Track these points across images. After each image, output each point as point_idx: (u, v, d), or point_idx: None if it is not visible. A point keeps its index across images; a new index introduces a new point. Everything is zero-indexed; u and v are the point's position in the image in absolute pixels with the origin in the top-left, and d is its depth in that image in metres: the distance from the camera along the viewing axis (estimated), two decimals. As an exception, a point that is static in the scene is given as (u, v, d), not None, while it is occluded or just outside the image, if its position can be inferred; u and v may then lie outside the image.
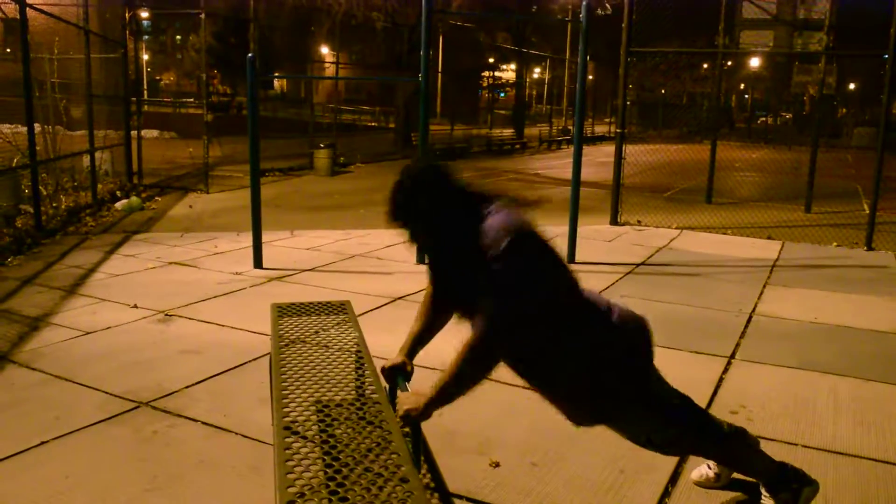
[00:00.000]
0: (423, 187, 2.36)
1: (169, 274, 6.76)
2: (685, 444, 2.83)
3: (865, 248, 8.83)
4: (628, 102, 10.45)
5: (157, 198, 12.03)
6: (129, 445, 3.45)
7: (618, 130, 10.38)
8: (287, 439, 2.50)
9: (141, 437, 3.53)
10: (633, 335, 2.59)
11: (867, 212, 9.63)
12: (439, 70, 33.74)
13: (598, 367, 2.50)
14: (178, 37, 41.23)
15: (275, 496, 2.18)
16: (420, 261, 7.44)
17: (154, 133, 22.20)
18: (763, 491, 2.86)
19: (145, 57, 34.78)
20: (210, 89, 21.47)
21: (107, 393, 4.00)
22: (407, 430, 2.88)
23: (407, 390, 2.72)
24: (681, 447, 2.94)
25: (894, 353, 5.08)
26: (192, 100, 28.70)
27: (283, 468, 2.30)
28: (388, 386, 2.86)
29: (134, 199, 10.96)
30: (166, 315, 5.45)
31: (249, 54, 6.90)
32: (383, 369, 2.80)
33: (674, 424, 2.67)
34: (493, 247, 2.25)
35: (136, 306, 5.62)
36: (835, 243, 9.12)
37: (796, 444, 3.57)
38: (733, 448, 2.82)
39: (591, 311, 2.53)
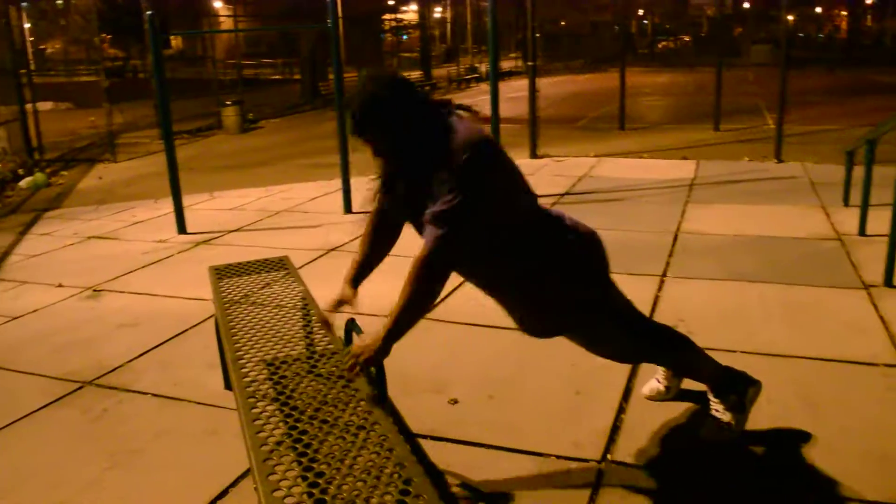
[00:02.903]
0: (390, 97, 2.28)
1: (90, 249, 6.52)
2: (641, 353, 2.93)
3: (775, 160, 9.17)
4: (537, 35, 10.45)
5: (62, 172, 11.51)
6: (80, 427, 3.36)
7: (529, 63, 10.41)
8: (250, 399, 2.48)
9: (91, 417, 3.44)
10: (590, 242, 2.63)
11: (772, 126, 10.00)
12: (340, 15, 32.95)
13: (560, 272, 2.53)
14: (60, 1, 38.98)
15: (248, 456, 2.17)
16: (347, 210, 7.38)
17: (48, 105, 21.09)
18: (711, 396, 2.99)
19: (27, 25, 32.80)
20: (103, 54, 20.47)
21: (47, 377, 3.87)
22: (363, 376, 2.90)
23: (361, 332, 2.74)
24: (637, 355, 3.04)
25: (813, 258, 5.34)
26: (83, 67, 27.37)
27: (252, 428, 2.29)
28: (342, 335, 2.86)
29: (39, 175, 10.46)
30: (95, 291, 5.27)
31: (149, 13, 6.60)
32: (324, 322, 2.82)
33: (631, 333, 2.76)
34: (456, 160, 2.22)
35: (61, 285, 5.42)
36: (746, 158, 9.45)
37: (735, 351, 3.74)
38: (685, 354, 2.93)
39: (549, 221, 2.56)
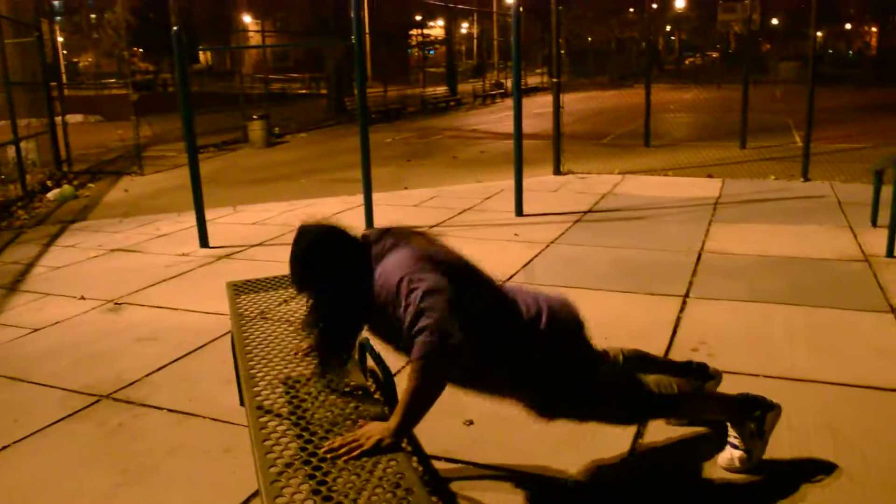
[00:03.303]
0: (313, 256, 2.44)
1: (113, 261, 6.57)
2: (641, 416, 2.95)
3: (802, 179, 9.06)
4: (562, 52, 10.44)
5: (89, 184, 11.65)
6: (94, 440, 3.36)
7: (554, 80, 10.39)
8: (261, 419, 2.47)
9: (106, 431, 3.44)
10: (568, 330, 2.59)
11: (800, 144, 9.88)
12: (367, 31, 33.21)
13: (539, 370, 2.53)
14: (93, 15, 39.69)
15: (257, 477, 2.15)
16: (369, 226, 7.38)
17: (79, 118, 21.41)
18: (729, 425, 2.92)
19: (60, 39, 33.41)
20: (132, 68, 20.77)
21: (65, 389, 3.89)
22: (379, 395, 2.88)
23: (376, 353, 2.72)
24: (637, 419, 3.04)
25: (840, 280, 5.25)
26: (114, 80, 27.81)
27: (261, 448, 2.28)
28: (357, 354, 2.84)
29: (66, 187, 10.60)
30: (116, 304, 5.31)
31: (174, 28, 6.67)
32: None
33: (627, 402, 2.71)
34: (399, 285, 2.28)
35: (83, 298, 5.46)
36: (773, 177, 9.35)
37: (758, 375, 3.67)
38: (688, 406, 2.90)
39: (516, 319, 2.51)
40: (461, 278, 2.38)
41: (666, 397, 2.74)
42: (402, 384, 2.37)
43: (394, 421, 2.27)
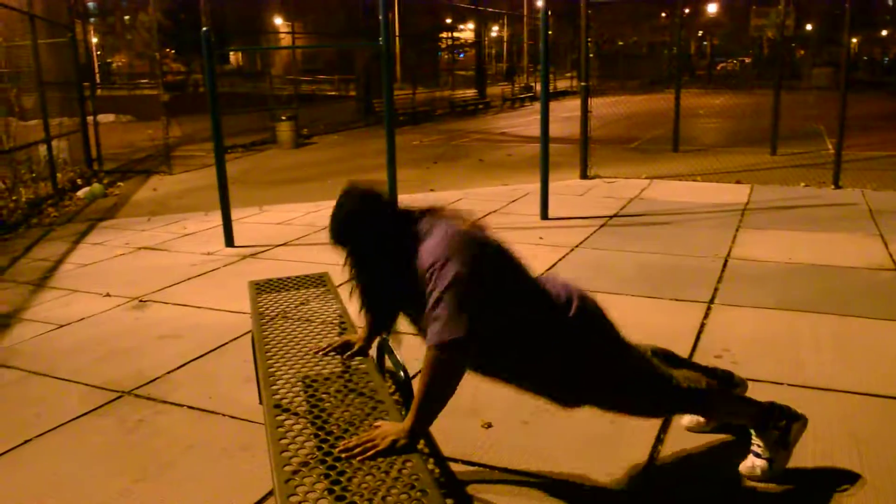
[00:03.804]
0: (364, 211, 2.40)
1: (139, 259, 6.64)
2: (668, 409, 2.88)
3: (833, 186, 8.92)
4: (590, 55, 10.38)
5: (119, 183, 11.79)
6: (115, 436, 3.39)
7: (582, 84, 10.32)
8: (278, 417, 2.47)
9: (126, 427, 3.47)
10: (598, 317, 2.58)
11: (831, 151, 9.73)
12: (397, 34, 33.25)
13: (569, 357, 2.52)
14: (127, 17, 40.24)
15: (272, 475, 2.15)
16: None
17: (110, 117, 21.71)
18: (753, 432, 2.87)
19: (94, 40, 33.89)
20: (164, 68, 21.01)
21: (87, 385, 3.93)
22: (397, 396, 2.87)
23: (394, 355, 2.71)
24: (664, 411, 2.98)
25: (868, 289, 5.15)
26: (146, 81, 28.16)
27: (277, 447, 2.27)
28: (375, 356, 2.83)
29: (96, 185, 10.73)
30: (140, 301, 5.35)
31: (204, 29, 6.72)
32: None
33: (654, 393, 2.67)
34: (431, 267, 2.26)
35: (108, 295, 5.52)
36: (803, 184, 9.21)
37: (782, 384, 3.61)
38: (715, 403, 2.85)
39: (547, 306, 2.50)
40: (492, 263, 2.36)
41: (694, 391, 2.72)
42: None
43: (408, 421, 2.26)
